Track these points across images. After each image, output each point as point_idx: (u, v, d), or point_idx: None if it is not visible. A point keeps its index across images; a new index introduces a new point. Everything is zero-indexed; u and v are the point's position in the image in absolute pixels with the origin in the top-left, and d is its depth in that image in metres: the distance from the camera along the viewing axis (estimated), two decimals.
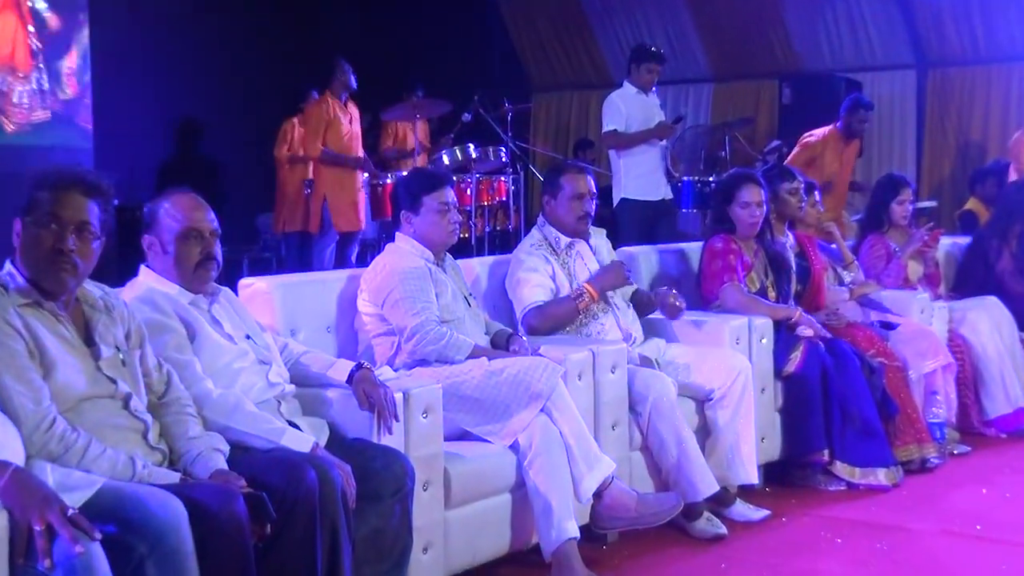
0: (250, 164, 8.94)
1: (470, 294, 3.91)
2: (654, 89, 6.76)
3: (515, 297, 4.16)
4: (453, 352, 3.57)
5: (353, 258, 7.69)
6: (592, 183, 4.28)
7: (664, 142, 6.68)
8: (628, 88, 6.70)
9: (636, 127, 6.62)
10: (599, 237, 4.35)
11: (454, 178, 4.64)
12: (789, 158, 7.26)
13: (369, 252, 8.11)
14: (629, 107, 6.60)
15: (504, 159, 7.85)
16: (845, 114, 7.04)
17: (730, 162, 8.38)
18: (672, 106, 9.80)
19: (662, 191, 6.65)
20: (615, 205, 6.75)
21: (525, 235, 4.36)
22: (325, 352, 3.40)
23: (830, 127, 7.12)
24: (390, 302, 3.62)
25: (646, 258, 4.85)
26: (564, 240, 4.25)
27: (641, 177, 6.62)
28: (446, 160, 7.57)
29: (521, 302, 4.11)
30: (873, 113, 7.39)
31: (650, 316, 4.37)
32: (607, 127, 6.66)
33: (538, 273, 4.14)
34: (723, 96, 10.55)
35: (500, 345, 3.78)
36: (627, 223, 6.67)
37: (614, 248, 4.55)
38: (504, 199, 7.90)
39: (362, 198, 7.57)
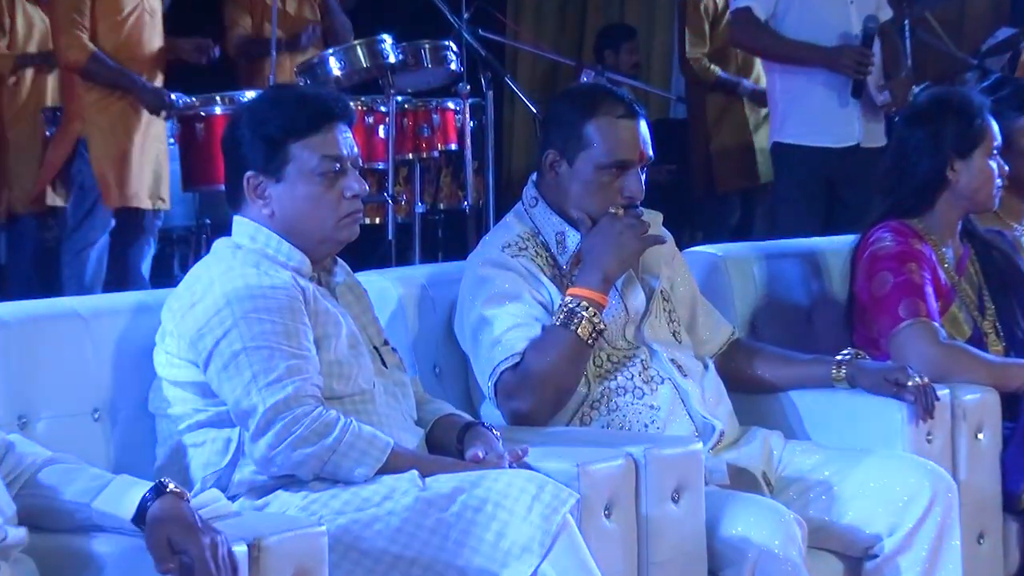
0: None
1: (386, 342, 3.97)
2: None
3: (475, 352, 4.22)
4: (352, 460, 3.59)
5: (145, 268, 7.77)
6: (648, 133, 4.33)
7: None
8: None
9: (802, 20, 6.79)
10: (653, 227, 4.37)
11: (354, 105, 4.64)
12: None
13: (180, 254, 8.15)
14: None
15: (454, 66, 7.90)
16: None
17: (917, 70, 8.42)
18: None
19: (854, 132, 6.88)
20: (769, 150, 7.07)
21: (495, 222, 4.38)
22: (90, 461, 3.39)
23: None
24: (222, 358, 3.64)
25: (740, 268, 4.97)
26: (574, 238, 4.30)
27: (812, 106, 6.82)
28: (335, 68, 7.68)
29: (490, 361, 4.16)
30: None
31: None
32: (737, 2, 6.92)
33: (520, 303, 4.18)
34: None
35: (448, 445, 3.83)
36: (785, 187, 6.94)
37: (679, 243, 4.66)
38: (454, 147, 7.97)
39: (162, 146, 7.67)
